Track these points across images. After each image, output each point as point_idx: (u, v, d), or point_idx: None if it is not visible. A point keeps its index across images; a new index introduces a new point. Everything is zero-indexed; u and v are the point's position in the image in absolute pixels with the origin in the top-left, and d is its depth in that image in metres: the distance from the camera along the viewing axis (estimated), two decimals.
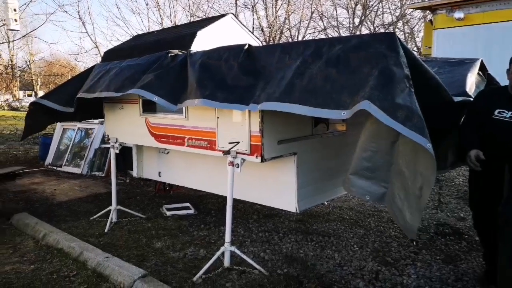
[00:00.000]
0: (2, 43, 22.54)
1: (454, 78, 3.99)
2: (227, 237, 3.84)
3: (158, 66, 4.04)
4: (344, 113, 2.60)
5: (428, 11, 17.39)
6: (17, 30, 5.38)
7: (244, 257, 3.83)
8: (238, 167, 3.73)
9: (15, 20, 4.67)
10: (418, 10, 21.40)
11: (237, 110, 3.40)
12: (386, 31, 22.46)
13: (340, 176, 4.72)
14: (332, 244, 4.51)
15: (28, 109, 5.27)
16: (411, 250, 4.31)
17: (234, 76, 3.41)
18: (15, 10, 4.61)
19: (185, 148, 4.33)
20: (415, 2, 20.38)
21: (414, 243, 4.51)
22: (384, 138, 2.98)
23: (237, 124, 3.70)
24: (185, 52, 4.19)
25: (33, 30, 14.58)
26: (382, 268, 3.87)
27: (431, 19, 12.20)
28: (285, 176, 3.97)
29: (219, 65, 3.54)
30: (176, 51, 4.26)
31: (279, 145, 3.72)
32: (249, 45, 3.51)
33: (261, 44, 8.76)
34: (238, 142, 3.63)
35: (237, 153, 3.71)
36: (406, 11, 22.69)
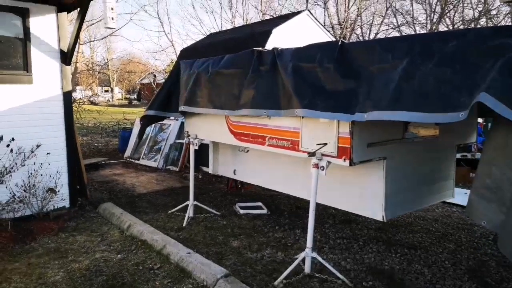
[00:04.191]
0: (86, 42, 24.49)
1: None
2: (309, 242, 3.69)
3: (253, 73, 3.99)
4: (462, 114, 2.31)
5: None
6: (113, 28, 5.70)
7: (326, 264, 3.65)
8: (323, 169, 3.56)
9: (112, 18, 4.94)
10: (505, 5, 19.49)
11: (341, 120, 3.22)
12: (467, 27, 20.75)
13: (430, 185, 4.37)
14: (420, 258, 4.16)
15: (140, 124, 5.68)
16: None
17: (331, 80, 3.22)
18: (112, 9, 4.89)
19: (265, 148, 4.25)
20: None
21: None
22: (509, 150, 2.58)
23: (324, 125, 3.52)
24: (268, 49, 4.09)
25: (119, 29, 15.66)
26: None
27: None
28: (372, 182, 3.71)
29: (313, 69, 3.36)
30: (260, 49, 4.19)
31: (368, 148, 3.47)
32: (342, 41, 3.31)
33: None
34: (325, 144, 3.45)
35: (322, 155, 3.54)
36: (491, 6, 20.79)
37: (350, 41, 19.95)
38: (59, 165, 5.53)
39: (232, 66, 4.34)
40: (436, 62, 2.51)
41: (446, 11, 21.20)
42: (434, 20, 20.72)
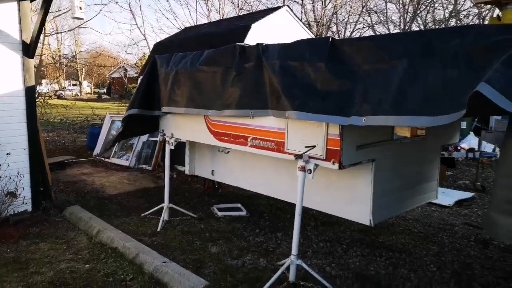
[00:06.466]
0: (53, 34, 23.34)
1: None
2: (294, 249, 3.48)
3: (236, 71, 3.73)
4: (463, 112, 2.16)
5: (489, 6, 16.21)
6: (82, 18, 5.28)
7: (312, 272, 3.46)
8: (310, 173, 3.35)
9: (80, 8, 4.55)
10: (472, 6, 20.09)
11: (336, 123, 3.00)
12: (438, 27, 21.26)
13: (416, 186, 4.28)
14: (405, 261, 4.06)
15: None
16: (498, 275, 3.80)
17: (323, 80, 2.99)
18: None
19: (247, 148, 4.00)
20: None
21: None
22: None
23: (312, 126, 3.31)
24: (252, 45, 3.84)
25: (87, 21, 14.85)
26: None
27: (498, 15, 11.21)
28: (360, 185, 3.56)
29: (303, 67, 3.13)
30: (243, 44, 3.94)
31: (358, 150, 3.30)
32: (333, 38, 3.10)
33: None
34: (314, 146, 3.25)
35: (309, 157, 3.34)
36: (460, 7, 21.39)
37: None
38: (20, 166, 5.07)
39: (213, 63, 4.06)
40: (439, 63, 2.34)
41: (418, 11, 21.60)
42: (407, 19, 21.06)
